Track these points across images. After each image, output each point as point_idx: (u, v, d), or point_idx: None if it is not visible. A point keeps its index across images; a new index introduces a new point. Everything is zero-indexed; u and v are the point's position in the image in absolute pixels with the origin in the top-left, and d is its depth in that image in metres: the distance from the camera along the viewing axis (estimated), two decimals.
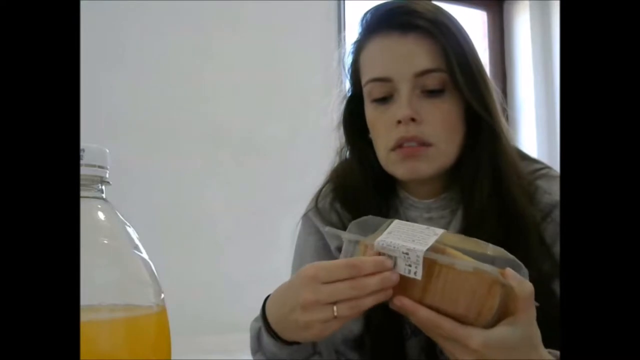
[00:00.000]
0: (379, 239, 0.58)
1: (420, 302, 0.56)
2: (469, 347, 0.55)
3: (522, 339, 0.56)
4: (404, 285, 0.56)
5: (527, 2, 2.79)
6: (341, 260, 0.58)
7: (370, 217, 0.64)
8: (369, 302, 0.56)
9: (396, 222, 0.61)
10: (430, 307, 0.56)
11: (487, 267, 0.54)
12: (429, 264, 0.55)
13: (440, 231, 0.58)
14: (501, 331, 0.55)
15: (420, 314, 0.56)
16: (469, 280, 0.54)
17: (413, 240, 0.57)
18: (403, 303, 0.56)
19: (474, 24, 2.82)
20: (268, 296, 0.68)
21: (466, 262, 0.55)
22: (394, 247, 0.56)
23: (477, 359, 0.55)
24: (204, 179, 2.02)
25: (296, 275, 0.60)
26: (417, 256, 0.55)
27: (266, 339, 0.67)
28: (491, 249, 0.59)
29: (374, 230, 0.61)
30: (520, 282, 0.56)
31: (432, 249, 0.55)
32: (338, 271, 0.57)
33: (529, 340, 0.57)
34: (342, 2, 2.33)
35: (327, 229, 0.68)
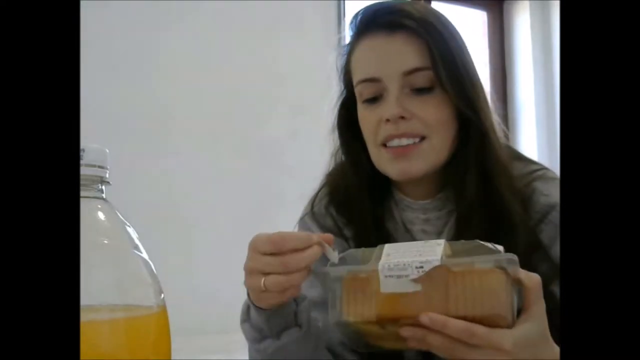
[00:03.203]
0: (382, 262, 0.56)
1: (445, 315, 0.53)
2: (503, 349, 0.53)
3: (540, 333, 0.56)
4: (424, 302, 0.54)
5: (527, 2, 2.79)
6: (273, 234, 0.60)
7: (352, 250, 0.62)
8: (294, 280, 0.59)
9: (388, 246, 0.58)
10: (456, 318, 0.53)
11: (504, 262, 0.53)
12: (442, 274, 0.54)
13: (441, 241, 0.57)
14: (524, 328, 0.54)
15: (452, 325, 0.53)
16: (487, 279, 0.53)
17: (420, 254, 0.55)
18: (432, 318, 0.53)
19: (474, 24, 2.82)
20: None
21: (485, 259, 0.53)
22: (404, 264, 0.54)
23: None
24: (203, 179, 2.02)
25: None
26: (435, 267, 0.54)
27: (251, 307, 0.70)
28: (493, 247, 0.57)
29: (357, 263, 0.59)
30: (528, 275, 0.56)
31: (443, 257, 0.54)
32: (265, 245, 0.60)
33: (545, 334, 0.56)
34: (342, 2, 2.33)
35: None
